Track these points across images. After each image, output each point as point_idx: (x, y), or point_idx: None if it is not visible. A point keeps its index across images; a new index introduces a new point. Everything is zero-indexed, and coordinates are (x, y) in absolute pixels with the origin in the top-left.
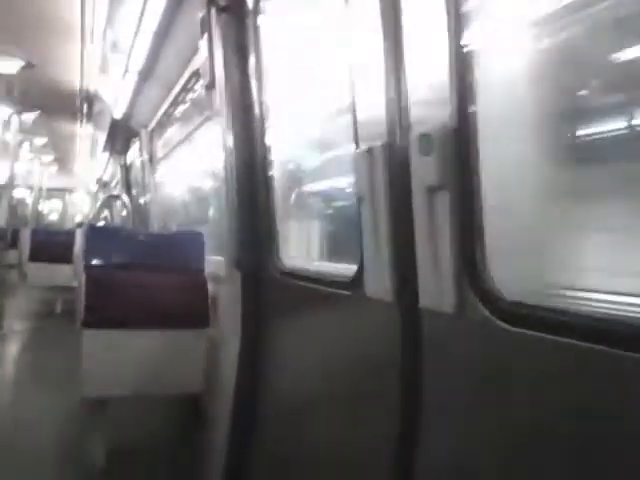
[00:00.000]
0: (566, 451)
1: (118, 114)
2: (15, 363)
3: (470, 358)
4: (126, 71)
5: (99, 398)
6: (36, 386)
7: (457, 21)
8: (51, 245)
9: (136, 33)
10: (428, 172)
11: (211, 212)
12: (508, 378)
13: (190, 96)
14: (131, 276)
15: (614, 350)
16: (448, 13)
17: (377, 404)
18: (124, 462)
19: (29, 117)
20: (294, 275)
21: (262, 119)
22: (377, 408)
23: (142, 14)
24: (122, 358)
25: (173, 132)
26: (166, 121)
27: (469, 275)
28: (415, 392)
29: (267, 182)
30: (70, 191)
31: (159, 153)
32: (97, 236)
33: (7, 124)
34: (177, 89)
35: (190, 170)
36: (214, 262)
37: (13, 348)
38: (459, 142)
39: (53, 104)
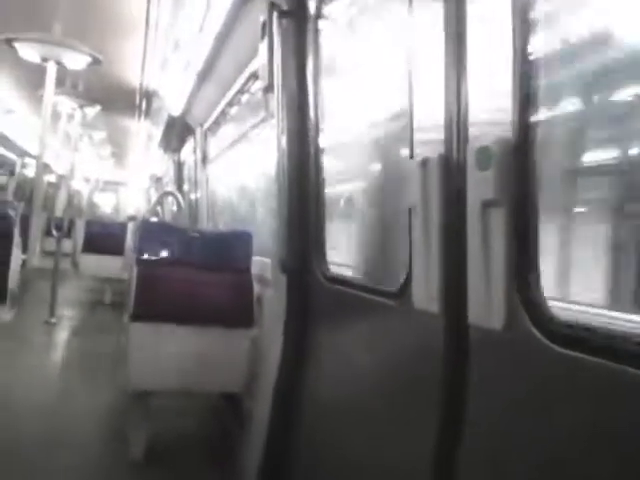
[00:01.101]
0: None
1: (176, 111)
2: (64, 350)
3: (516, 377)
4: (186, 69)
5: (145, 391)
6: (82, 375)
7: (522, 32)
8: (104, 237)
9: (198, 33)
10: (485, 186)
11: (260, 213)
12: (553, 400)
13: (246, 97)
14: (181, 272)
15: None
16: (513, 23)
17: (417, 417)
18: (163, 454)
19: (91, 111)
20: (340, 281)
21: (317, 123)
22: (417, 421)
23: (205, 15)
24: (168, 352)
25: (227, 132)
26: (221, 121)
27: (520, 293)
28: (457, 407)
29: (318, 186)
30: (124, 185)
31: (212, 152)
32: (150, 232)
33: (70, 117)
34: (234, 90)
35: (242, 170)
36: (261, 263)
37: (63, 335)
38: (518, 157)
39: (114, 99)
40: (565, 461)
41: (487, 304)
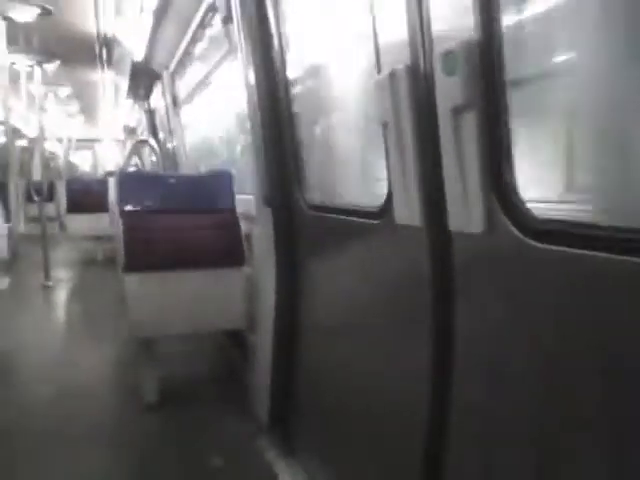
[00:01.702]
0: (596, 369)
1: (138, 56)
2: (66, 308)
3: (501, 277)
4: (141, 11)
5: (146, 338)
6: (87, 327)
7: None
8: (87, 195)
9: None
10: (453, 92)
11: (239, 151)
12: (539, 294)
13: (208, 32)
14: (166, 219)
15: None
16: None
17: (410, 329)
18: (176, 397)
19: (51, 67)
20: (324, 208)
21: (282, 52)
22: (410, 333)
23: None
24: (164, 299)
25: (195, 72)
26: (187, 61)
27: (498, 195)
28: (447, 313)
29: (291, 116)
30: (99, 141)
31: (182, 95)
32: (129, 182)
33: (30, 76)
34: (194, 26)
35: (215, 110)
36: (245, 201)
37: (62, 296)
38: (484, 59)
39: (73, 52)
40: (554, 355)
41: (466, 210)
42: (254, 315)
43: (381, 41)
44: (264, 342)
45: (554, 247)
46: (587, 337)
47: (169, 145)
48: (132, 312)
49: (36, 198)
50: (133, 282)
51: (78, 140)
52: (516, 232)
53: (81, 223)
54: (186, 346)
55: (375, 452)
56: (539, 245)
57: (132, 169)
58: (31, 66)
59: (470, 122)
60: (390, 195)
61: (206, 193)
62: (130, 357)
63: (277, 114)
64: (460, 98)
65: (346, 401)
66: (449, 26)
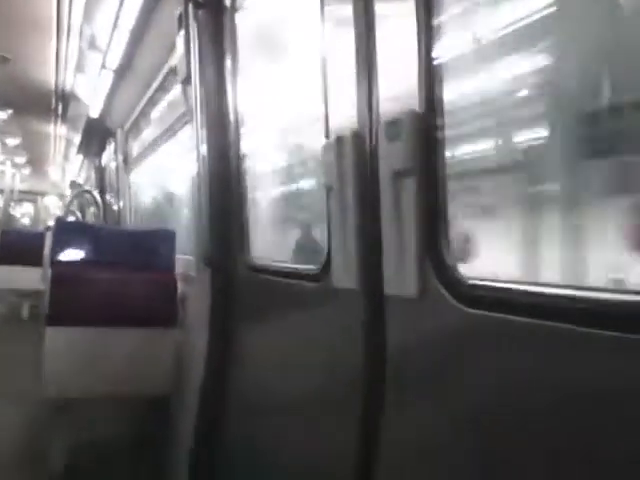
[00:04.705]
0: (529, 426)
1: (94, 113)
2: None
3: (432, 341)
4: (102, 68)
5: (62, 398)
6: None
7: (427, 13)
8: (21, 247)
9: (113, 30)
10: (395, 157)
11: (185, 213)
12: (468, 357)
13: (167, 97)
14: (99, 273)
15: (565, 325)
16: (417, 9)
17: (343, 399)
18: (88, 462)
19: (1, 116)
20: (263, 270)
21: (236, 115)
22: (342, 404)
23: (119, 10)
24: (86, 357)
25: (149, 133)
26: (142, 121)
27: (431, 260)
28: (379, 376)
29: (240, 179)
30: (43, 195)
31: (134, 153)
32: (65, 231)
33: None
34: (154, 87)
35: (165, 170)
36: (185, 261)
37: None
38: (425, 128)
39: (27, 103)
40: (484, 414)
41: (401, 274)
42: (181, 381)
43: (330, 108)
44: (188, 411)
45: (484, 312)
46: (511, 397)
47: (115, 206)
48: (49, 368)
49: None
50: (54, 335)
51: (21, 192)
52: (448, 296)
53: (9, 275)
54: (106, 411)
55: None
56: (470, 310)
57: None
58: None
59: (409, 187)
60: (329, 258)
61: (146, 250)
62: (42, 422)
63: (226, 177)
64: (401, 163)
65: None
66: (395, 96)
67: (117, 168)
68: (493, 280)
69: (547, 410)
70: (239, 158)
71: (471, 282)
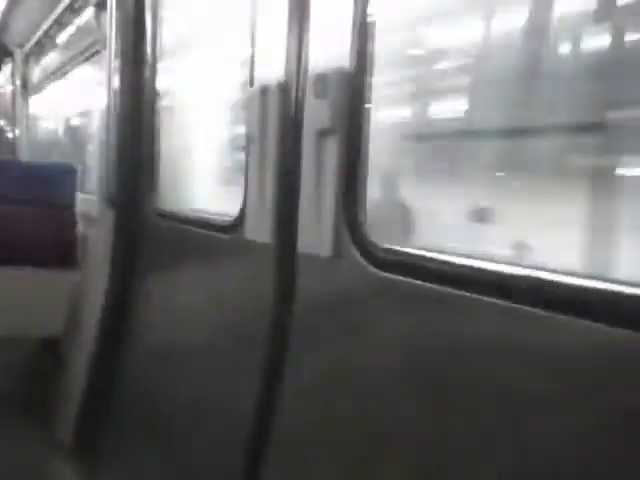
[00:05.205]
0: (432, 403)
1: None
2: None
3: (341, 300)
4: None
5: None
6: None
7: None
8: None
9: None
10: (320, 114)
11: (91, 149)
12: (377, 320)
13: (77, 20)
14: None
15: (468, 293)
16: None
17: (244, 354)
18: None
19: None
20: (173, 217)
21: (154, 47)
22: (244, 357)
23: None
24: None
25: (54, 58)
26: (47, 44)
27: (347, 221)
28: (283, 333)
29: (154, 118)
30: None
31: (35, 80)
32: None
33: None
34: (62, 6)
35: (71, 101)
36: (87, 201)
37: None
38: (353, 86)
39: None
40: (383, 376)
41: (316, 233)
42: (76, 323)
43: (257, 57)
44: (81, 354)
45: (394, 276)
46: (416, 361)
47: (10, 134)
48: None
49: None
50: None
51: None
52: (360, 258)
53: None
54: None
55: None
56: (381, 274)
57: None
58: None
59: (332, 146)
60: (244, 210)
61: (43, 184)
62: None
63: (138, 114)
64: (326, 122)
65: (165, 424)
66: (325, 50)
67: (14, 93)
68: (407, 247)
69: (440, 367)
70: (155, 95)
71: (385, 246)
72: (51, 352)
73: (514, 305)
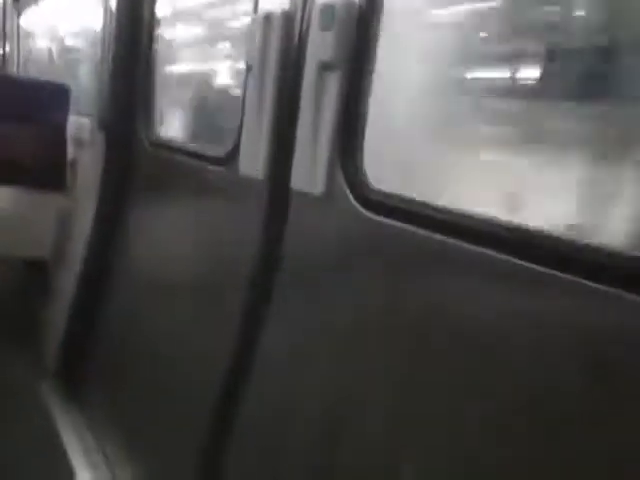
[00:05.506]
0: (418, 349)
1: None
2: None
3: (331, 239)
4: None
5: None
6: None
7: None
8: None
9: None
10: (324, 47)
11: (86, 70)
12: (364, 263)
13: None
14: None
15: (456, 241)
16: None
17: (235, 282)
18: None
19: None
20: (166, 146)
21: None
22: (229, 297)
23: None
24: None
25: None
26: None
27: (342, 160)
28: (271, 268)
29: (151, 42)
30: None
31: None
32: None
33: None
34: None
35: (67, 20)
36: (79, 123)
37: None
38: (361, 19)
39: None
40: (369, 316)
41: (310, 170)
42: (63, 246)
43: None
44: (67, 278)
45: (384, 219)
46: (405, 308)
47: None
48: None
49: None
50: None
51: None
52: (352, 199)
53: None
54: None
55: (163, 412)
56: (371, 215)
57: None
58: None
59: (334, 81)
60: (238, 143)
61: (33, 102)
62: None
63: (136, 37)
64: (330, 55)
65: (144, 358)
66: None
67: (4, 5)
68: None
69: (425, 316)
70: (153, 19)
71: (377, 188)
72: (38, 276)
73: (506, 257)
